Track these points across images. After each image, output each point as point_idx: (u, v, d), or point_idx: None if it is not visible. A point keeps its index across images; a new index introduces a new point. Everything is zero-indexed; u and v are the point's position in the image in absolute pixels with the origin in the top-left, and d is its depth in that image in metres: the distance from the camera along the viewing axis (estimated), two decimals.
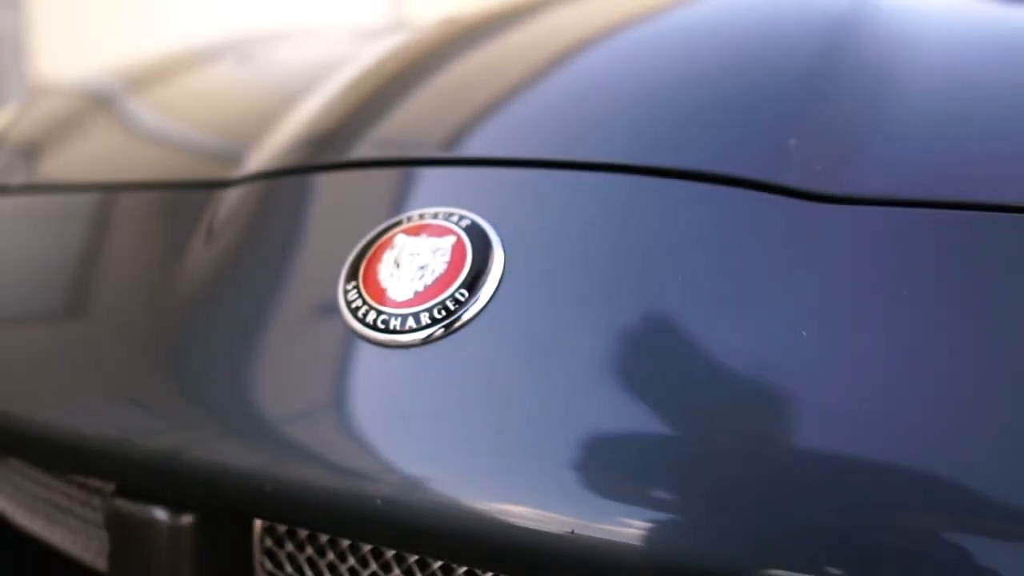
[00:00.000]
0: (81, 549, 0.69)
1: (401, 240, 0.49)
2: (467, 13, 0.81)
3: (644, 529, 0.38)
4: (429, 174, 0.53)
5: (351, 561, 0.53)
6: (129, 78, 1.13)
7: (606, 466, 0.40)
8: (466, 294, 0.45)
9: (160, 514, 0.53)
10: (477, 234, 0.47)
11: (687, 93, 0.53)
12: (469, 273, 0.46)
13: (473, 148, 0.54)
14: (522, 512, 0.41)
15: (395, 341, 0.46)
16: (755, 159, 0.48)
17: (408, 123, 0.58)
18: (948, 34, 0.68)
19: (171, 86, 1.04)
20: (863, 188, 0.46)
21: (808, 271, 0.43)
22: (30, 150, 0.90)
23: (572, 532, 0.39)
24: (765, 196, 0.46)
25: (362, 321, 0.46)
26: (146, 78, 1.12)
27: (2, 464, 0.73)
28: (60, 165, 0.83)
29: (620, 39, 0.62)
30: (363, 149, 0.57)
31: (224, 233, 0.58)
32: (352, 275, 0.48)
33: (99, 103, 1.03)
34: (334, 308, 0.48)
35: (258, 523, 0.56)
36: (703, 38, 0.59)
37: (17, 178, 0.82)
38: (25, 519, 0.73)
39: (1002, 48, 0.67)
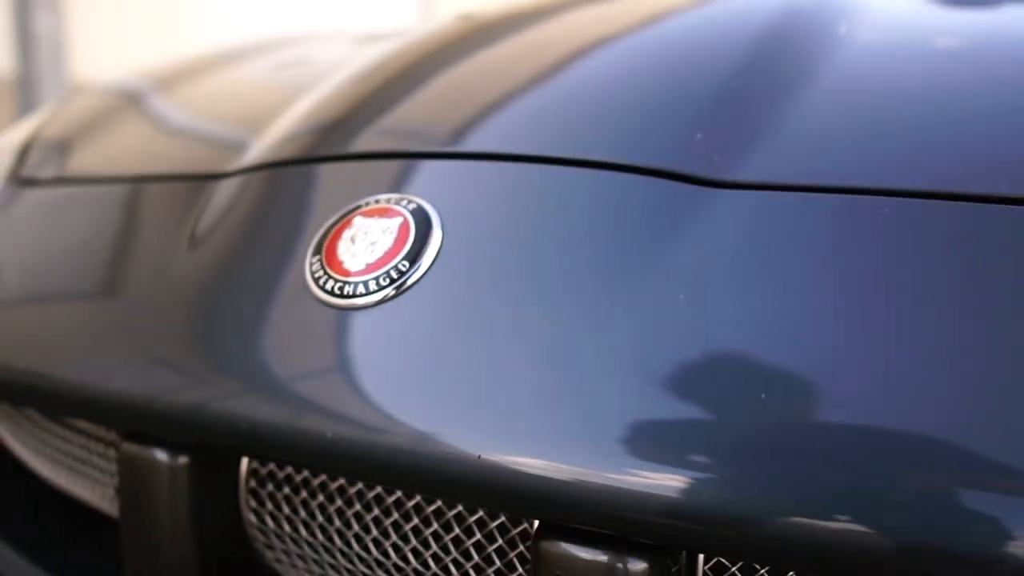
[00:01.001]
0: (99, 497, 0.80)
1: (358, 221, 0.58)
2: (481, 11, 0.90)
3: (522, 453, 0.47)
4: (387, 166, 0.62)
5: (320, 498, 0.63)
6: (156, 78, 1.23)
7: (515, 400, 0.49)
8: (408, 265, 0.54)
9: (161, 455, 0.63)
10: (421, 216, 0.56)
11: (610, 95, 0.62)
12: (412, 248, 0.55)
13: (427, 143, 0.63)
14: (454, 442, 0.50)
15: (351, 304, 0.55)
16: (661, 151, 0.56)
17: (376, 124, 0.68)
18: (883, 39, 0.75)
19: (192, 86, 1.14)
20: (749, 175, 0.54)
21: (694, 243, 0.51)
22: (60, 146, 1.00)
23: (479, 457, 0.47)
24: (664, 182, 0.54)
25: (323, 288, 0.56)
26: (171, 78, 1.22)
27: (27, 421, 0.84)
28: (85, 160, 0.94)
29: (561, 48, 0.71)
30: (335, 146, 0.66)
31: (219, 220, 0.68)
32: (317, 250, 0.58)
33: (124, 102, 1.13)
34: (302, 278, 0.58)
35: (243, 467, 0.65)
36: (634, 46, 0.68)
37: (47, 172, 0.93)
38: (49, 472, 0.83)
39: (924, 52, 0.74)
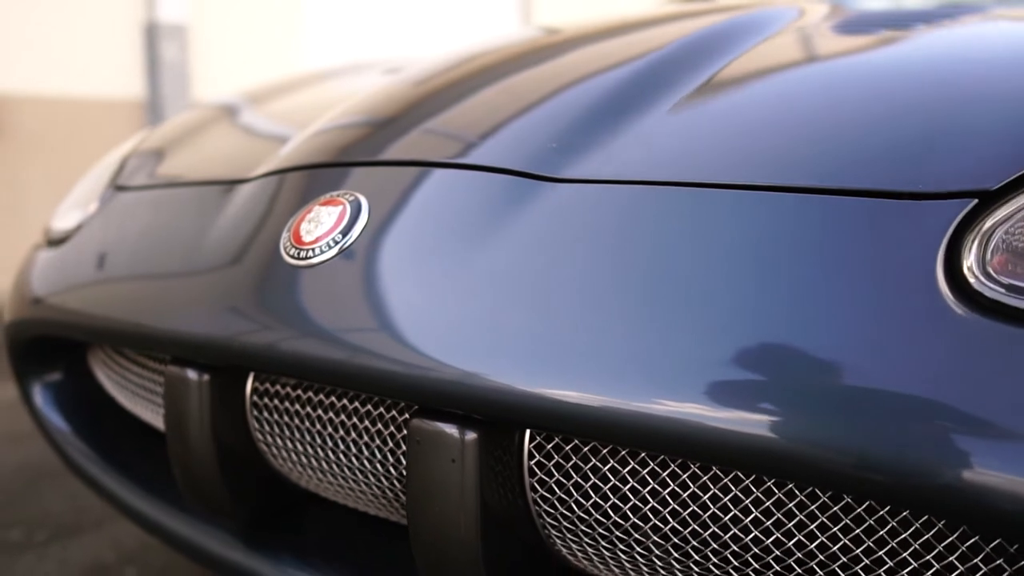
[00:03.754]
0: (158, 419, 1.10)
1: (316, 209, 0.85)
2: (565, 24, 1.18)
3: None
4: (342, 171, 0.90)
5: (308, 409, 0.90)
6: (249, 96, 1.55)
7: (402, 320, 0.75)
8: (342, 236, 0.81)
9: (191, 374, 0.92)
10: (356, 204, 0.84)
11: (495, 115, 0.87)
12: (346, 225, 0.82)
13: (368, 154, 0.90)
14: (364, 347, 0.76)
15: (307, 264, 0.82)
16: (520, 157, 0.81)
17: (340, 143, 0.96)
18: (749, 67, 0.95)
19: (271, 104, 1.45)
20: (575, 173, 0.78)
21: (527, 218, 0.76)
22: (150, 158, 1.32)
23: (377, 358, 0.74)
24: (515, 178, 0.79)
25: (287, 254, 0.83)
26: (261, 96, 1.54)
27: (114, 363, 1.15)
28: (164, 169, 1.25)
29: (465, 79, 0.97)
30: (313, 158, 0.95)
31: (238, 213, 0.97)
32: (288, 230, 0.86)
33: (211, 119, 1.45)
34: (277, 249, 0.85)
35: (248, 385, 0.94)
36: (527, 73, 0.93)
37: (137, 179, 1.25)
38: (128, 401, 1.15)
39: (776, 76, 0.94)
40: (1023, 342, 0.58)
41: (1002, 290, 0.61)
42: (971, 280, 0.61)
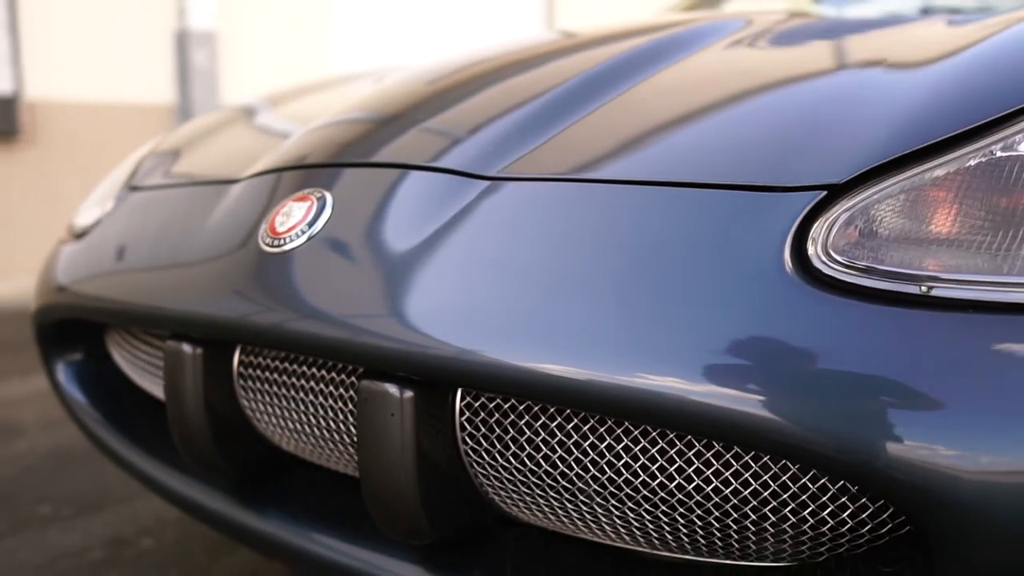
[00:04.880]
0: (161, 391, 1.26)
1: (289, 204, 1.00)
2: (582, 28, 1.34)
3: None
4: (314, 171, 1.04)
5: (283, 378, 1.04)
6: (267, 100, 1.71)
7: (353, 296, 0.89)
8: (308, 227, 0.96)
9: (186, 348, 1.07)
10: (322, 200, 0.98)
11: (445, 123, 1.01)
12: (313, 218, 0.96)
13: (337, 157, 1.05)
14: (325, 318, 0.90)
15: (279, 250, 0.97)
16: (461, 159, 0.95)
17: (317, 146, 1.11)
18: (670, 80, 1.08)
19: (286, 107, 1.60)
20: (505, 172, 0.92)
21: (461, 209, 0.90)
22: (163, 159, 1.48)
23: (336, 327, 0.88)
24: (453, 176, 0.93)
25: (264, 242, 0.98)
26: (277, 100, 1.69)
27: (127, 342, 1.31)
28: (173, 170, 1.41)
29: (427, 89, 1.11)
30: (292, 160, 1.10)
31: (228, 210, 1.12)
32: (266, 222, 1.00)
33: (223, 122, 1.60)
34: (257, 238, 1.00)
35: (236, 357, 1.08)
36: (479, 85, 1.07)
37: (148, 181, 1.41)
38: (138, 377, 1.31)
39: (687, 87, 1.06)
40: (851, 309, 0.71)
41: (839, 267, 0.74)
42: (813, 259, 0.74)
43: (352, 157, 1.03)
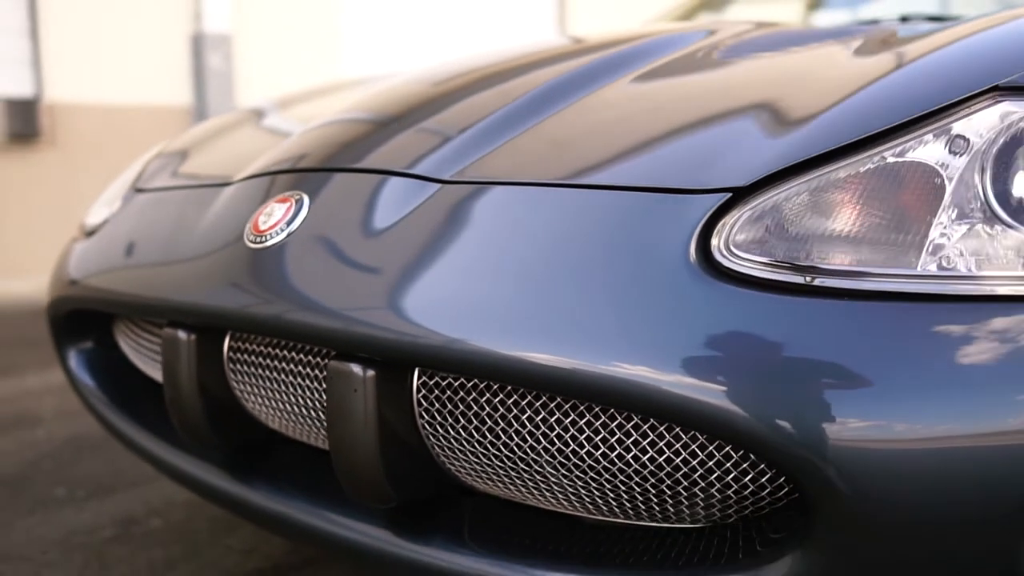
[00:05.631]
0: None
1: (271, 205, 1.12)
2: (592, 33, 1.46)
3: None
4: (296, 175, 1.16)
5: (267, 361, 1.16)
6: (275, 103, 1.83)
7: (324, 286, 1.01)
8: (287, 225, 1.08)
9: (182, 334, 1.19)
10: (300, 202, 1.10)
11: (411, 133, 1.13)
12: (291, 217, 1.09)
13: (315, 163, 1.17)
14: (302, 307, 1.02)
15: (261, 246, 1.09)
16: (420, 164, 1.07)
17: (300, 153, 1.23)
18: (623, 91, 1.20)
19: (292, 110, 1.73)
20: (458, 176, 1.04)
21: (416, 210, 1.01)
22: (169, 162, 1.61)
23: (304, 314, 1.00)
24: (412, 180, 1.05)
25: (248, 239, 1.11)
26: (285, 103, 1.82)
27: (132, 331, 1.44)
28: (176, 172, 1.54)
29: (382, 101, 1.23)
30: (278, 165, 1.22)
31: (221, 210, 1.24)
32: (250, 221, 1.13)
33: (229, 124, 1.73)
34: (242, 236, 1.13)
35: (226, 343, 1.21)
36: (444, 95, 1.19)
37: (153, 183, 1.54)
38: (141, 363, 1.44)
39: (636, 97, 1.18)
40: (744, 297, 0.82)
41: (736, 260, 0.85)
42: (715, 252, 0.85)
43: (328, 162, 1.16)
